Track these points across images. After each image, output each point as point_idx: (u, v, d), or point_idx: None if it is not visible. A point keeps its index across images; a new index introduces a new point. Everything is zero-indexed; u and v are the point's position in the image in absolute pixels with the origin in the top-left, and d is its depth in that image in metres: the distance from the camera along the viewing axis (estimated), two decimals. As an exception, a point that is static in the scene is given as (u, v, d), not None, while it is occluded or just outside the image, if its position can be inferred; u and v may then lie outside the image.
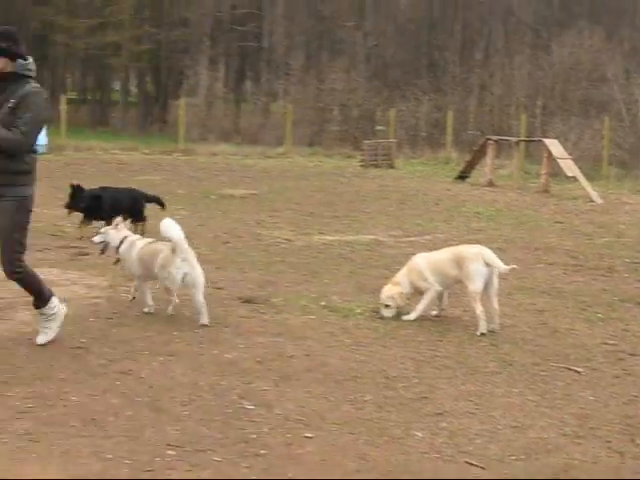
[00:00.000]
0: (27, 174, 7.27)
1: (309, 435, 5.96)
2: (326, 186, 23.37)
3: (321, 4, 56.94)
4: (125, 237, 9.15)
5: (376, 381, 7.16)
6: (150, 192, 14.88)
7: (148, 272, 8.88)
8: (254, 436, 5.89)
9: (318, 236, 14.72)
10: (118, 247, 9.12)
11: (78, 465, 5.33)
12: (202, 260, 11.56)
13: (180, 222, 8.74)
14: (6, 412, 6.10)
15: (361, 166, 30.32)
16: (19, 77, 7.16)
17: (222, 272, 11.10)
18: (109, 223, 10.06)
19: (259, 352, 7.74)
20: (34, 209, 7.57)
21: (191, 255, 8.60)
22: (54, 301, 7.63)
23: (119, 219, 9.42)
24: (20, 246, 7.30)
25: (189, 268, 8.55)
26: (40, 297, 7.57)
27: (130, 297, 9.24)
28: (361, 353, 7.89)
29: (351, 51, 52.58)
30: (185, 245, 8.51)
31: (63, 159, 28.20)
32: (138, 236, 9.52)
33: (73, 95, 64.90)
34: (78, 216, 13.59)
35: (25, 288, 7.54)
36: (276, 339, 8.16)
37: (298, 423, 6.16)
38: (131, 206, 13.38)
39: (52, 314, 7.59)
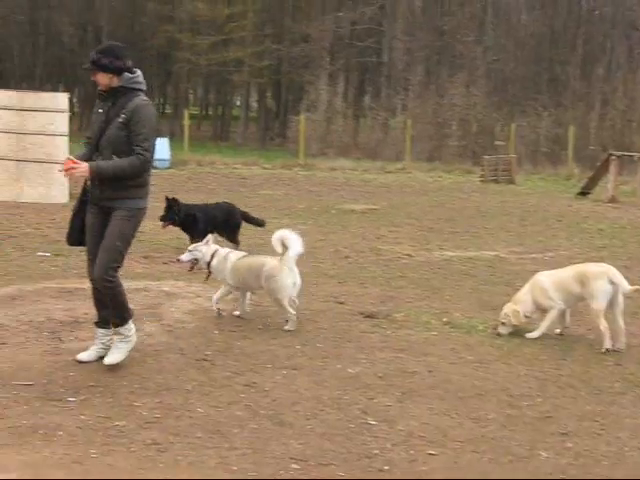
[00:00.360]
0: (141, 187, 7.32)
1: (432, 452, 5.93)
2: (445, 201, 23.24)
3: (441, 19, 56.80)
4: (215, 251, 9.35)
5: (499, 399, 7.08)
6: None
7: (247, 284, 9.17)
8: (377, 452, 5.89)
9: (438, 252, 14.63)
10: (209, 262, 9.32)
11: (205, 476, 5.41)
12: (323, 274, 11.75)
13: (301, 236, 8.86)
14: (134, 421, 6.22)
15: (481, 182, 30.05)
16: (127, 91, 7.20)
17: (343, 287, 11.13)
18: (196, 239, 10.30)
19: (381, 367, 7.73)
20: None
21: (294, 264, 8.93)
22: (132, 325, 7.50)
23: (209, 236, 9.74)
24: (120, 256, 7.26)
25: (295, 277, 8.91)
26: (121, 315, 7.39)
27: (238, 312, 9.39)
28: (484, 370, 7.82)
29: (471, 66, 52.24)
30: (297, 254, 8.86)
31: (186, 173, 28.67)
32: (228, 249, 9.65)
33: (195, 110, 66.19)
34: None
35: (110, 300, 7.32)
36: (398, 355, 8.14)
37: (421, 440, 6.14)
38: (226, 222, 13.25)
39: (128, 336, 7.43)
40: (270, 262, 8.95)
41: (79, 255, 10.20)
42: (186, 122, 36.76)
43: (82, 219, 7.44)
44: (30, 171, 18.91)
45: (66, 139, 19.45)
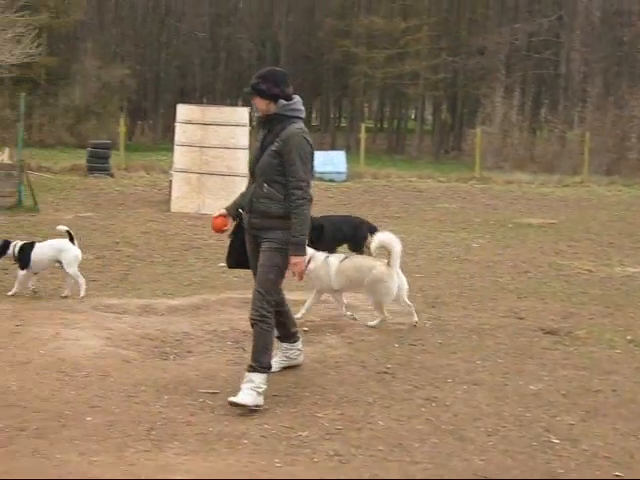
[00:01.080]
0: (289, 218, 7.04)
1: (618, 474, 5.78)
2: (626, 216, 22.64)
3: (620, 30, 55.42)
4: (312, 256, 9.35)
5: (689, 421, 6.84)
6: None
7: (351, 286, 9.41)
8: (561, 471, 5.78)
9: (620, 267, 14.27)
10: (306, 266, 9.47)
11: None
12: (502, 289, 11.63)
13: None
14: (317, 432, 6.29)
15: (663, 196, 29.17)
16: (283, 118, 6.99)
17: (523, 302, 10.98)
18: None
19: (564, 385, 7.58)
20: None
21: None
22: (266, 378, 6.92)
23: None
24: (274, 288, 6.99)
25: (402, 281, 9.20)
26: (260, 359, 6.91)
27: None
28: (672, 391, 7.58)
29: (653, 77, 50.76)
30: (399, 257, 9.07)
31: (362, 186, 28.84)
32: (324, 253, 9.62)
33: (370, 124, 66.51)
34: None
35: (255, 339, 6.98)
36: (581, 372, 7.97)
37: (607, 460, 5.99)
38: (353, 235, 13.09)
39: (259, 386, 6.84)
40: (379, 266, 9.13)
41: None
42: (362, 135, 36.98)
43: (242, 240, 7.31)
44: (212, 184, 19.39)
45: (246, 152, 19.86)
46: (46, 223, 16.21)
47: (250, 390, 6.80)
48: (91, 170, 29.34)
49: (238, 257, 7.43)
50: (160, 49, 65.53)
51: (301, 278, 7.13)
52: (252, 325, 6.98)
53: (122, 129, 35.87)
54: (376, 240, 9.07)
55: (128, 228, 17.10)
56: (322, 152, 33.97)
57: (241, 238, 7.34)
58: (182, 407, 6.77)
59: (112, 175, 29.42)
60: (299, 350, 7.82)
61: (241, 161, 19.35)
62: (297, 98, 7.13)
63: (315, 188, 26.53)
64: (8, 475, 5.41)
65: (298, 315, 9.62)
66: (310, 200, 7.04)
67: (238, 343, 8.42)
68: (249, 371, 6.91)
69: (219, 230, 7.38)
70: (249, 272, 7.47)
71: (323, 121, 74.21)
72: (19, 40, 29.37)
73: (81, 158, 31.77)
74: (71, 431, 6.19)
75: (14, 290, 10.49)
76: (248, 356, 7.17)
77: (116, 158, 31.64)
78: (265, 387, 6.89)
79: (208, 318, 9.41)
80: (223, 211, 7.41)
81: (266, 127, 7.12)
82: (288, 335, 7.66)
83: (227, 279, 11.87)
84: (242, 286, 11.18)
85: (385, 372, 7.76)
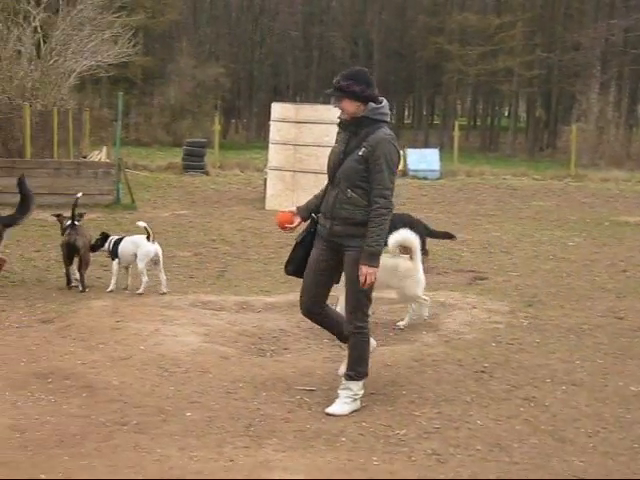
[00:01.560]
0: None
1: None
2: None
3: None
4: None
5: None
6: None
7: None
8: (665, 474, 5.69)
9: None
10: None
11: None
12: (600, 288, 11.48)
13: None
14: (414, 431, 6.28)
15: None
16: (371, 122, 6.65)
17: (622, 301, 10.78)
18: None
19: (666, 386, 7.46)
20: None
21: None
22: (362, 385, 6.87)
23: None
24: (367, 298, 6.80)
25: (422, 274, 9.22)
26: (358, 369, 6.85)
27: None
28: None
29: None
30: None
31: (456, 184, 28.71)
32: None
33: (463, 121, 66.18)
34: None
35: (352, 349, 6.89)
36: (684, 374, 7.83)
37: None
38: None
39: (357, 395, 6.81)
40: (403, 263, 9.13)
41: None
42: (456, 133, 36.82)
43: (306, 250, 7.02)
44: (306, 181, 19.45)
45: (340, 150, 19.86)
46: (144, 220, 16.39)
47: (346, 398, 6.77)
48: (187, 168, 29.77)
49: (299, 265, 7.08)
50: (254, 48, 66.12)
51: (370, 289, 6.72)
52: (348, 336, 6.90)
53: (217, 127, 36.25)
54: (393, 239, 8.98)
55: (224, 226, 17.28)
56: (416, 150, 33.97)
57: (306, 246, 7.04)
58: (280, 404, 6.82)
59: (207, 173, 29.81)
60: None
61: (335, 159, 19.40)
62: (385, 101, 6.81)
63: (409, 186, 26.74)
64: (112, 470, 5.52)
65: None
66: (392, 210, 6.63)
67: (334, 340, 8.41)
68: (346, 379, 6.86)
69: (283, 226, 7.12)
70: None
71: (416, 118, 74.10)
72: (116, 40, 29.84)
73: (177, 156, 32.24)
74: (171, 426, 6.28)
75: (111, 286, 10.80)
76: (345, 354, 7.19)
77: (211, 156, 32.01)
78: (362, 393, 6.86)
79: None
80: (293, 208, 7.17)
81: (350, 130, 6.75)
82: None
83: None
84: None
85: (482, 371, 7.70)
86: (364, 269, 6.54)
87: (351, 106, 6.68)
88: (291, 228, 7.13)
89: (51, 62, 28.21)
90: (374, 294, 6.98)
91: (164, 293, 10.58)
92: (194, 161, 29.86)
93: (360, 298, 6.75)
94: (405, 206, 18.58)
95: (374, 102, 6.69)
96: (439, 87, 65.95)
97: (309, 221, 7.09)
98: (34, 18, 27.95)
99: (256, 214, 19.32)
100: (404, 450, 5.94)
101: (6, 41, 27.36)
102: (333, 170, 6.78)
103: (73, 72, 28.92)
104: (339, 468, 5.62)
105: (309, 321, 8.33)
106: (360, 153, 6.57)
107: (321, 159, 19.57)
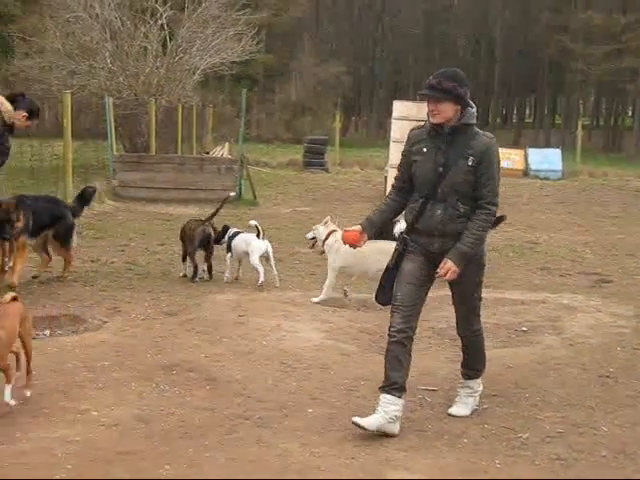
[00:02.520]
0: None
1: None
2: None
3: None
4: (332, 232, 10.31)
5: None
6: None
7: (367, 268, 9.87)
8: None
9: None
10: (324, 241, 10.37)
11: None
12: None
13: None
14: (537, 435, 6.20)
15: None
16: (468, 127, 6.22)
17: None
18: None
19: None
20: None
21: None
22: (481, 381, 6.85)
23: (328, 217, 10.75)
24: (479, 302, 6.66)
25: None
26: (477, 367, 6.82)
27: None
28: None
29: None
30: None
31: (578, 184, 28.26)
32: None
33: (586, 121, 65.06)
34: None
35: (473, 350, 6.81)
36: None
37: None
38: None
39: (476, 391, 6.78)
40: None
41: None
42: (579, 133, 36.26)
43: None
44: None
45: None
46: (265, 216, 16.59)
47: (467, 398, 6.71)
48: (307, 165, 29.98)
49: (391, 294, 6.66)
50: (375, 45, 66.14)
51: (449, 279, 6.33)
52: (463, 337, 6.83)
53: (337, 125, 36.38)
54: (398, 227, 9.00)
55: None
56: (537, 150, 33.57)
57: (394, 273, 6.56)
58: (401, 403, 6.81)
59: (327, 170, 29.95)
60: None
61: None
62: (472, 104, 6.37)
63: (530, 185, 26.44)
64: (233, 463, 5.60)
65: (315, 299, 10.05)
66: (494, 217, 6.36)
67: (455, 340, 8.35)
68: (465, 378, 6.81)
69: (350, 244, 6.82)
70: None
71: (537, 118, 73.12)
72: (240, 38, 30.15)
73: (297, 153, 32.47)
74: (293, 422, 6.32)
75: (226, 276, 11.26)
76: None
77: (331, 153, 32.14)
78: (481, 389, 6.83)
79: (425, 315, 9.39)
80: (358, 227, 6.68)
81: (445, 138, 6.24)
82: (399, 387, 6.41)
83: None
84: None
85: (607, 376, 7.56)
86: (449, 264, 6.18)
87: (451, 110, 6.19)
88: (358, 246, 6.82)
89: (176, 59, 28.73)
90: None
91: (276, 287, 10.84)
92: (315, 158, 30.06)
93: (473, 303, 6.64)
94: (528, 207, 18.38)
95: (470, 106, 6.28)
96: (561, 86, 65.02)
97: (399, 242, 6.59)
98: (161, 15, 28.48)
99: (376, 212, 19.28)
100: (527, 454, 5.86)
101: (133, 38, 27.96)
102: (432, 184, 6.23)
103: (197, 69, 29.36)
104: (461, 469, 5.58)
105: (431, 321, 8.33)
106: (470, 163, 6.12)
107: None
